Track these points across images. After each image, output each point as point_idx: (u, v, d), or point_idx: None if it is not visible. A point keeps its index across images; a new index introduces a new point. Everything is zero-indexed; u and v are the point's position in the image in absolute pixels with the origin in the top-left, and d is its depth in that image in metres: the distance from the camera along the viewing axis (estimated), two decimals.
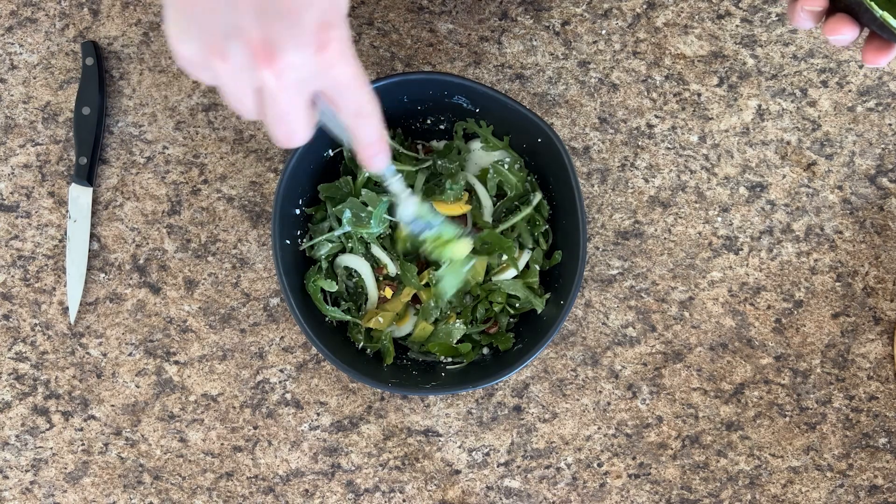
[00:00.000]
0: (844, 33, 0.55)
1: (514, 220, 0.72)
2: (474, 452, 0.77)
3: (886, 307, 0.78)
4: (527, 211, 0.72)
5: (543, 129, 0.70)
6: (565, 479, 0.77)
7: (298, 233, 0.73)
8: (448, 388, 0.69)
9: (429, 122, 0.75)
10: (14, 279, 0.78)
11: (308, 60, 0.47)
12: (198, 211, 0.78)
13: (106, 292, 0.77)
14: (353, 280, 0.74)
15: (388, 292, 0.73)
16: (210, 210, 0.78)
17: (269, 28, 0.45)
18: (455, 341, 0.73)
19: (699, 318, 0.78)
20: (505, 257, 0.72)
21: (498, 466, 0.77)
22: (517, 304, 0.73)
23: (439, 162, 0.73)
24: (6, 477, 0.77)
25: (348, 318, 0.73)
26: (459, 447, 0.77)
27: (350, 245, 0.73)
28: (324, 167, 0.73)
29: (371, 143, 0.54)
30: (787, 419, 0.78)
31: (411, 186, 0.73)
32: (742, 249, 0.78)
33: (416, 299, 0.74)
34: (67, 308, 0.77)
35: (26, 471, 0.77)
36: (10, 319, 0.78)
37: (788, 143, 0.78)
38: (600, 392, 0.77)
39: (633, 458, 0.77)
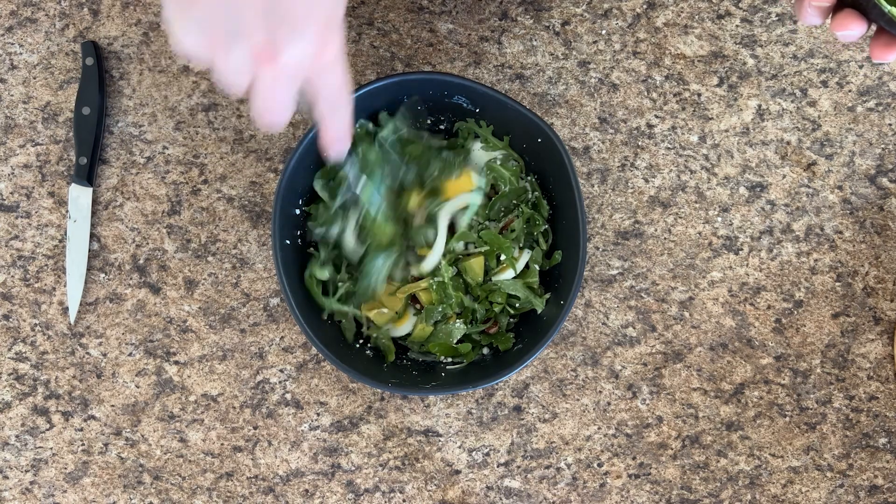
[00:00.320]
0: (852, 29, 0.55)
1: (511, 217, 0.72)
2: (474, 452, 0.77)
3: (886, 307, 0.78)
4: (525, 210, 0.72)
5: (543, 129, 0.70)
6: (565, 479, 0.77)
7: (298, 233, 0.73)
8: (448, 388, 0.69)
9: (429, 122, 0.75)
10: (14, 279, 0.78)
11: (307, 61, 0.48)
12: (198, 211, 0.78)
13: (106, 292, 0.77)
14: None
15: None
16: (210, 210, 0.78)
17: (274, 30, 0.46)
18: (455, 341, 0.73)
19: (699, 318, 0.78)
20: (504, 257, 0.72)
21: (498, 466, 0.77)
22: (517, 304, 0.73)
23: (444, 153, 0.73)
24: (6, 477, 0.77)
25: (346, 308, 0.72)
26: (459, 447, 0.77)
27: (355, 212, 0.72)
28: (324, 167, 0.73)
29: (338, 134, 0.60)
30: (787, 419, 0.78)
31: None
32: (742, 249, 0.78)
33: (415, 299, 0.74)
34: (67, 308, 0.77)
35: (26, 471, 0.77)
36: (10, 319, 0.78)
37: (788, 143, 0.78)
38: (600, 392, 0.77)
39: (634, 458, 0.77)
